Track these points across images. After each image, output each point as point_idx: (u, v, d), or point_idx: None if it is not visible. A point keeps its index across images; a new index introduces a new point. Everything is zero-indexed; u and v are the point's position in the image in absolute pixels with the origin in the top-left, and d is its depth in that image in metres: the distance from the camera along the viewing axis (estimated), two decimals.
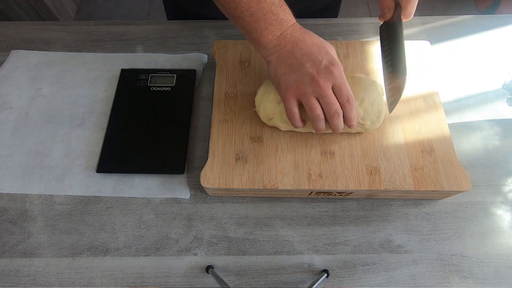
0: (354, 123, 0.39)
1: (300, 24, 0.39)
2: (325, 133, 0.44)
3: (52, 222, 0.44)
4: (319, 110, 0.38)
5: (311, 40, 0.38)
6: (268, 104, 0.43)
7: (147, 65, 0.56)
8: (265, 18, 0.36)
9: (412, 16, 0.42)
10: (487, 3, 1.59)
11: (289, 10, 0.38)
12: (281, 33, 0.37)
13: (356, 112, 0.39)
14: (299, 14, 0.41)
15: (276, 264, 0.42)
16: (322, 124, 0.39)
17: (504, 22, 0.60)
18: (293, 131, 0.44)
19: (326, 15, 0.66)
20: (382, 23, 0.45)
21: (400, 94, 0.39)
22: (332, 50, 0.39)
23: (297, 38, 0.37)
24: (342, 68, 0.38)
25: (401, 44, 0.41)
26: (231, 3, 0.36)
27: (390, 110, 0.41)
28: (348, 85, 0.38)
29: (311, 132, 0.44)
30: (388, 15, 0.43)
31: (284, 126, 0.43)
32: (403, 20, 0.42)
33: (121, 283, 0.41)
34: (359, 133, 0.44)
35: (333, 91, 0.37)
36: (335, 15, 0.71)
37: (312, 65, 0.37)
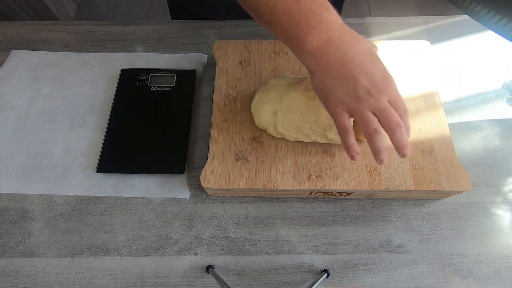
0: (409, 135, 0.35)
1: None
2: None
3: (52, 222, 0.44)
4: (376, 123, 0.33)
5: (363, 48, 0.33)
6: (262, 115, 0.42)
7: (147, 65, 0.56)
8: (307, 20, 0.31)
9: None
10: None
11: (333, 8, 0.33)
12: (328, 38, 0.32)
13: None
14: None
15: (276, 264, 0.42)
16: (381, 139, 0.33)
17: None
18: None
19: None
20: None
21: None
22: (379, 58, 0.34)
23: (348, 44, 0.32)
24: None
25: None
26: (266, 8, 0.31)
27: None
28: (402, 97, 0.34)
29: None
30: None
31: (279, 136, 0.43)
32: None
33: (121, 283, 0.41)
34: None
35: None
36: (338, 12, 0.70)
37: (368, 78, 0.32)
